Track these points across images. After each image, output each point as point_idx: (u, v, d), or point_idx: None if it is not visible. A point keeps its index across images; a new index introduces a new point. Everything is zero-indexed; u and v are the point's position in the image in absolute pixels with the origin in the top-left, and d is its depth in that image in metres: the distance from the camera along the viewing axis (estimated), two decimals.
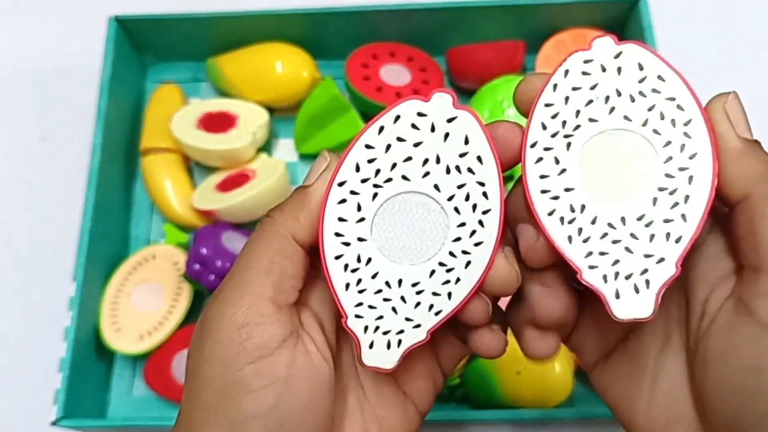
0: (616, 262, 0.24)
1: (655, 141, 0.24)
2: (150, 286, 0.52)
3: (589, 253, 0.24)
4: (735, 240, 0.23)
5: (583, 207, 0.24)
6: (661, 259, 0.23)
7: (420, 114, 0.25)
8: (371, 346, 0.25)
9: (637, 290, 0.23)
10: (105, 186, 0.52)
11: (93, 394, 0.50)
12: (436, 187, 0.25)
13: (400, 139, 0.25)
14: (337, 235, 0.25)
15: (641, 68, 0.24)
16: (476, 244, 0.25)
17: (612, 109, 0.24)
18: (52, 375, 0.47)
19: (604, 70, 0.25)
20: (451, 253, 0.25)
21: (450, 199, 0.25)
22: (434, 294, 0.25)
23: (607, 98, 0.24)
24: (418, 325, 0.25)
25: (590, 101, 0.24)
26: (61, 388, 0.46)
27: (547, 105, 0.25)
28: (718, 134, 0.23)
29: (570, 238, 0.24)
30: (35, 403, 0.50)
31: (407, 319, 0.25)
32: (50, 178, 0.59)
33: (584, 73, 0.25)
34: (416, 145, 0.25)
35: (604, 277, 0.24)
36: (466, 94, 0.59)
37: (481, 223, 0.25)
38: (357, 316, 0.25)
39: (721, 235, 0.25)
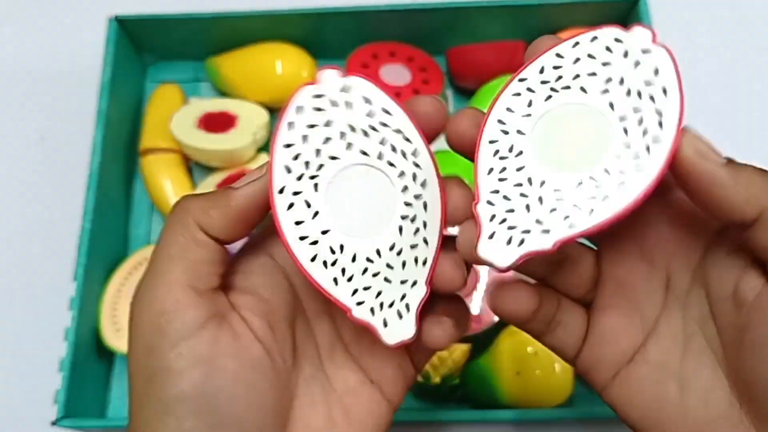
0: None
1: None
2: None
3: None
4: (761, 253, 0.23)
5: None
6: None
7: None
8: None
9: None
10: (105, 186, 0.52)
11: (93, 394, 0.50)
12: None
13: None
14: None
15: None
16: (422, 184, 0.25)
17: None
18: (52, 375, 0.47)
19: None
20: (406, 203, 0.25)
21: (380, 157, 0.25)
22: (412, 247, 0.25)
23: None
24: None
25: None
26: (62, 388, 0.46)
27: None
28: (702, 172, 0.23)
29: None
30: (35, 403, 0.50)
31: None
32: (50, 178, 0.59)
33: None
34: (327, 124, 0.25)
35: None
36: (466, 94, 0.59)
37: (416, 164, 0.25)
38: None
39: (727, 235, 0.25)
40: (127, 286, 0.52)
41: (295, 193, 0.25)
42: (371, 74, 0.55)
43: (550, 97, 0.25)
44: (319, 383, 0.27)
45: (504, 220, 0.24)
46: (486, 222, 0.24)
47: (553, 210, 0.24)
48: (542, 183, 0.24)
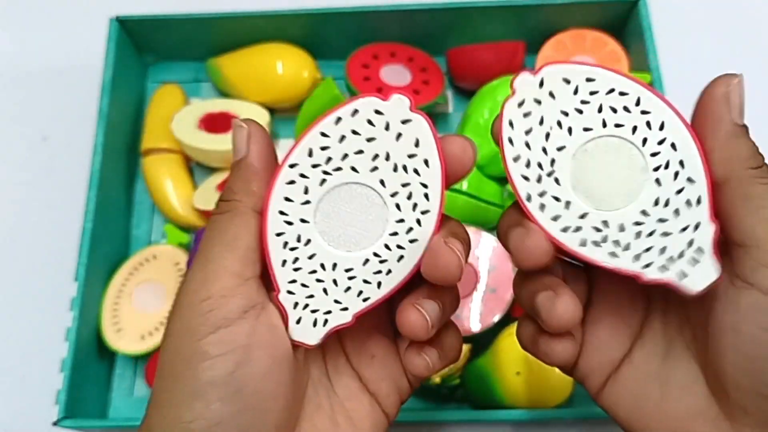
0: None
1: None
2: (151, 286, 0.52)
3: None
4: (721, 221, 0.25)
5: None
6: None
7: (377, 112, 0.26)
8: (298, 321, 0.27)
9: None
10: (106, 186, 0.53)
11: (94, 394, 0.50)
12: (382, 182, 0.26)
13: (354, 132, 0.26)
14: (282, 213, 0.26)
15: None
16: (411, 241, 0.26)
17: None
18: (53, 375, 0.47)
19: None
20: (387, 246, 0.26)
21: (393, 195, 0.26)
22: (365, 281, 0.26)
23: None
24: (346, 308, 0.27)
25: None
26: (63, 389, 0.46)
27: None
28: (714, 115, 0.25)
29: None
30: (37, 403, 0.50)
31: (336, 302, 0.27)
32: (51, 178, 0.59)
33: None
34: (369, 140, 0.26)
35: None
36: (466, 95, 0.59)
37: (418, 222, 0.26)
38: (289, 292, 0.26)
39: None
40: (129, 287, 0.52)
41: (302, 176, 0.26)
42: (372, 74, 0.55)
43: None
44: (324, 387, 0.29)
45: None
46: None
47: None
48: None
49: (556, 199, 0.25)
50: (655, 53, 0.53)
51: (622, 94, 0.25)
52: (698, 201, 0.25)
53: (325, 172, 0.26)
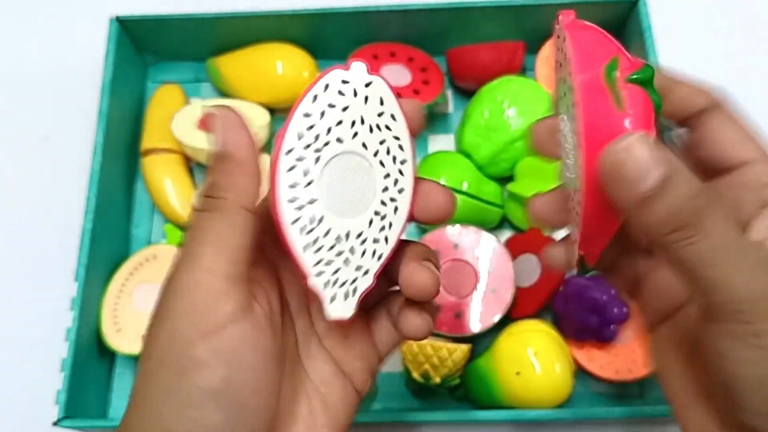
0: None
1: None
2: (151, 286, 0.52)
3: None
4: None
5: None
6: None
7: (344, 81, 0.27)
8: (332, 300, 0.28)
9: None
10: (106, 186, 0.53)
11: (94, 394, 0.50)
12: (364, 145, 0.28)
13: (331, 105, 0.27)
14: (291, 201, 0.27)
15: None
16: (400, 191, 0.28)
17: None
18: (53, 375, 0.47)
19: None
20: (382, 202, 0.28)
21: (375, 154, 0.28)
22: (375, 240, 0.28)
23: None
24: (367, 272, 0.28)
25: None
26: (63, 389, 0.46)
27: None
28: (618, 185, 0.24)
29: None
30: (37, 403, 0.50)
31: (357, 268, 0.28)
32: (51, 178, 0.59)
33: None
34: (344, 109, 0.28)
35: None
36: (466, 95, 0.59)
37: (401, 172, 0.28)
38: (318, 274, 0.28)
39: None
40: (129, 287, 0.52)
41: (299, 159, 0.27)
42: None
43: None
44: (298, 374, 0.29)
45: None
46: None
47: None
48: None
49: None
50: (655, 53, 0.53)
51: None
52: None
53: (317, 150, 0.27)
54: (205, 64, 0.60)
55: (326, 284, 0.28)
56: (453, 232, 0.51)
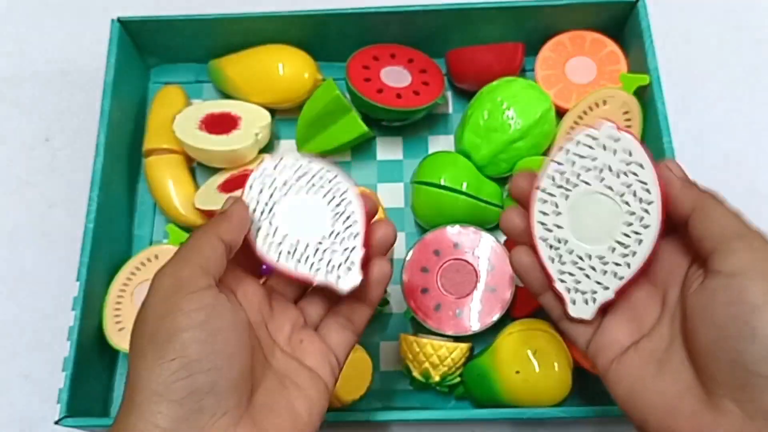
0: (578, 282, 0.35)
1: (624, 209, 0.34)
2: None
3: (562, 272, 0.36)
4: (694, 243, 0.32)
5: (565, 241, 0.35)
6: (606, 288, 0.35)
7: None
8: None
9: (586, 302, 0.35)
10: (108, 187, 0.53)
11: (96, 393, 0.50)
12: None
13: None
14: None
15: (630, 154, 0.34)
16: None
17: (602, 179, 0.34)
18: (55, 374, 0.47)
19: (604, 148, 0.34)
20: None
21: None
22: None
23: (601, 170, 0.34)
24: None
25: (589, 169, 0.35)
26: (65, 388, 0.46)
27: (558, 163, 0.35)
28: (666, 179, 0.33)
29: (552, 259, 0.36)
30: (39, 402, 0.51)
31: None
32: (54, 178, 0.60)
33: (589, 147, 0.34)
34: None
35: (568, 289, 0.36)
36: (466, 96, 0.59)
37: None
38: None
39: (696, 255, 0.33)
40: (131, 286, 0.52)
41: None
42: (372, 75, 0.56)
43: (567, 196, 0.35)
44: (272, 372, 0.35)
45: (577, 289, 0.35)
46: (565, 294, 0.36)
47: (605, 272, 0.35)
48: (588, 256, 0.35)
49: (555, 204, 0.36)
50: (654, 54, 0.53)
51: (647, 191, 0.34)
52: (620, 278, 0.34)
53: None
54: (207, 65, 0.60)
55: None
56: (453, 231, 0.51)
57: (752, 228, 0.31)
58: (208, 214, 0.53)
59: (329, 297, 0.39)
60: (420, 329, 0.52)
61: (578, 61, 0.57)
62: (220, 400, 0.30)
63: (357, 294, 0.37)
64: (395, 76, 0.56)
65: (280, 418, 0.33)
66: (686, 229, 0.32)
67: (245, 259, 0.37)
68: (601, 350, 0.35)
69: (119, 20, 0.56)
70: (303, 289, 0.40)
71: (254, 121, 0.56)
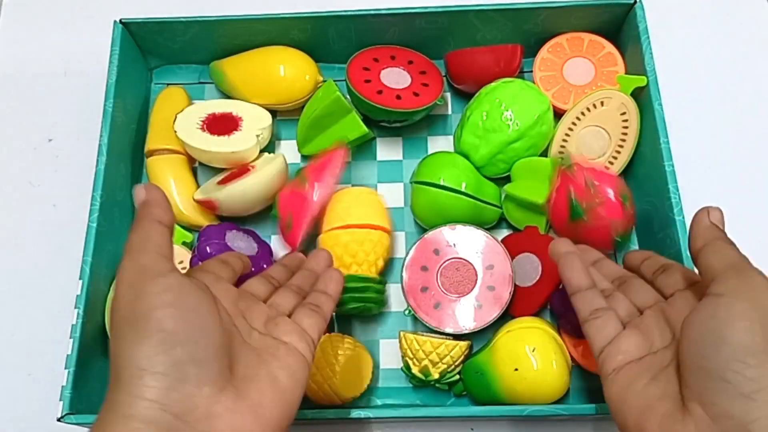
0: None
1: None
2: None
3: None
4: (701, 275, 0.35)
5: None
6: None
7: None
8: None
9: None
10: (111, 186, 0.53)
11: (98, 390, 0.50)
12: None
13: None
14: None
15: None
16: None
17: None
18: (58, 372, 0.48)
19: None
20: None
21: None
22: None
23: None
24: None
25: None
26: (67, 385, 0.47)
27: None
28: (698, 218, 0.37)
29: None
30: (41, 399, 0.51)
31: None
32: (57, 178, 0.60)
33: None
34: None
35: None
36: (465, 97, 0.59)
37: None
38: None
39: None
40: None
41: None
42: (372, 77, 0.56)
43: None
44: (250, 349, 0.36)
45: None
46: None
47: None
48: None
49: None
50: (651, 56, 0.53)
51: None
52: None
53: None
54: (209, 67, 0.61)
55: None
56: (452, 231, 0.52)
57: (751, 265, 0.33)
58: (205, 204, 0.54)
59: (298, 292, 0.43)
60: (420, 327, 0.52)
61: (576, 63, 0.58)
62: (202, 369, 0.31)
63: (321, 287, 0.43)
64: (395, 78, 0.57)
65: (261, 384, 0.34)
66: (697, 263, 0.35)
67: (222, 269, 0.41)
68: (609, 357, 0.38)
69: (122, 22, 0.57)
70: (273, 290, 0.43)
71: (255, 122, 0.56)
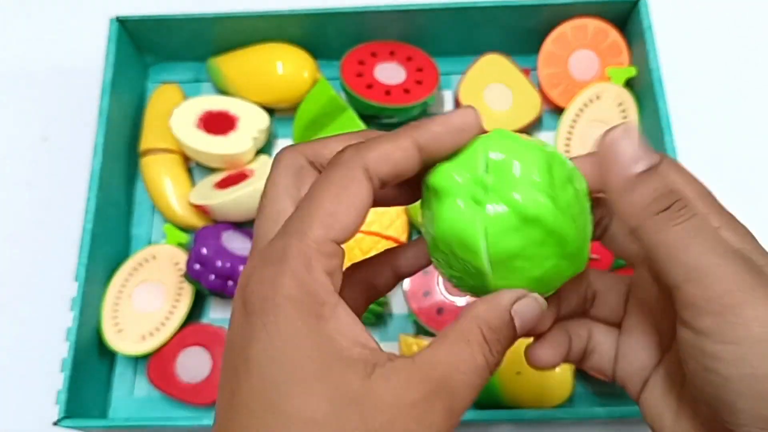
0: None
1: None
2: (151, 286, 0.52)
3: None
4: (649, 266, 0.27)
5: None
6: None
7: None
8: None
9: None
10: (106, 186, 0.53)
11: (94, 394, 0.50)
12: None
13: None
14: None
15: None
16: None
17: None
18: (53, 375, 0.47)
19: None
20: None
21: None
22: None
23: None
24: None
25: None
26: (63, 389, 0.46)
27: None
28: (606, 168, 0.25)
29: None
30: (37, 403, 0.51)
31: None
32: (52, 178, 0.60)
33: None
34: None
35: None
36: None
37: None
38: None
39: None
40: (129, 287, 0.52)
41: None
42: (365, 71, 0.55)
43: None
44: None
45: None
46: None
47: None
48: None
49: None
50: (656, 52, 0.53)
51: None
52: None
53: None
54: (206, 64, 0.60)
55: None
56: None
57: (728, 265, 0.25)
58: (202, 209, 0.53)
59: None
60: (421, 331, 0.52)
61: (581, 55, 0.57)
62: None
63: None
64: (389, 73, 0.56)
65: None
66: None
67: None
68: (628, 379, 0.30)
69: (118, 19, 0.56)
70: None
71: (252, 122, 0.55)
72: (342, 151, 0.25)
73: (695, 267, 0.23)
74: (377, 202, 0.26)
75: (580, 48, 0.57)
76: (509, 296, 0.25)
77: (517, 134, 0.26)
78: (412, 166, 0.25)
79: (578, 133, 0.54)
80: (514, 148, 0.25)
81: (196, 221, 0.55)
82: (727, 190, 0.56)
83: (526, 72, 0.57)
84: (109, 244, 0.53)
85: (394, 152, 0.24)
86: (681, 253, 0.23)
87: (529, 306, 0.25)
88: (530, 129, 0.57)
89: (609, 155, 0.24)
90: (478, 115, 0.25)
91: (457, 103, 0.58)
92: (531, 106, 0.56)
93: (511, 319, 0.25)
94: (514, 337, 0.25)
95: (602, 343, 0.30)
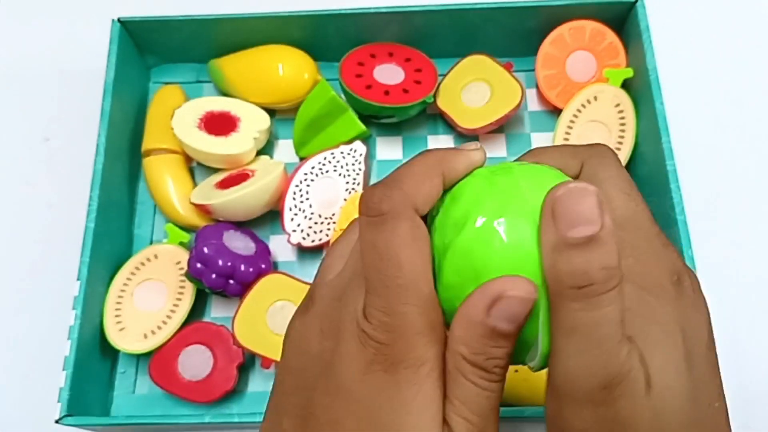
0: None
1: None
2: (153, 285, 0.52)
3: None
4: None
5: None
6: None
7: None
8: None
9: None
10: (108, 186, 0.53)
11: (97, 392, 0.50)
12: None
13: None
14: None
15: None
16: None
17: None
18: (55, 373, 0.47)
19: None
20: None
21: None
22: None
23: None
24: None
25: None
26: (65, 387, 0.46)
27: None
28: (543, 226, 0.23)
29: None
30: (39, 401, 0.51)
31: None
32: (54, 178, 0.60)
33: None
34: None
35: None
36: None
37: None
38: None
39: None
40: (131, 286, 0.52)
41: None
42: (364, 72, 0.56)
43: None
44: None
45: None
46: None
47: None
48: None
49: None
50: (653, 54, 0.53)
51: None
52: None
53: None
54: (207, 65, 0.60)
55: None
56: None
57: None
58: (202, 209, 0.53)
59: None
60: None
61: (578, 57, 0.57)
62: None
63: None
64: (388, 74, 0.56)
65: None
66: None
67: None
68: None
69: (119, 20, 0.56)
70: None
71: (253, 123, 0.56)
72: (390, 196, 0.24)
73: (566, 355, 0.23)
74: None
75: (578, 49, 0.57)
76: (481, 304, 0.23)
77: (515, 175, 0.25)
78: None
79: (576, 134, 0.55)
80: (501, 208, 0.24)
81: (197, 221, 0.55)
82: (725, 190, 0.57)
83: (508, 66, 0.57)
84: (111, 244, 0.53)
85: (431, 191, 0.25)
86: (566, 337, 0.23)
87: (509, 304, 0.23)
88: (514, 119, 0.58)
89: (557, 208, 0.23)
90: (485, 153, 0.27)
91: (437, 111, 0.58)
92: (511, 97, 0.56)
93: (493, 329, 0.23)
94: (508, 336, 0.24)
95: None
